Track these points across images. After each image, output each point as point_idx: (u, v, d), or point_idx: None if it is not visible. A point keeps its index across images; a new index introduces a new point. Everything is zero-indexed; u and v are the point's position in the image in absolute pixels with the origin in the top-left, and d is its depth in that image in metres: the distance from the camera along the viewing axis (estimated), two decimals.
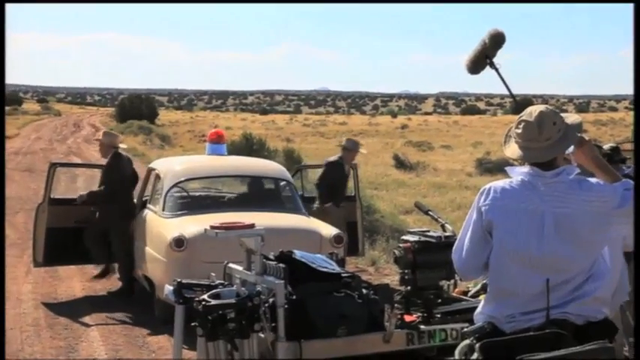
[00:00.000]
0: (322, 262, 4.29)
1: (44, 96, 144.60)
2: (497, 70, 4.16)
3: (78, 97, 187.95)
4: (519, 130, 3.06)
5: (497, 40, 4.17)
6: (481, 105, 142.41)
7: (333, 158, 9.34)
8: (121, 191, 8.30)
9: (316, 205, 9.03)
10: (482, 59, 4.18)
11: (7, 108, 65.28)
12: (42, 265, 8.57)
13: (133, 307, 8.00)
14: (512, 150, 3.11)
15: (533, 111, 3.06)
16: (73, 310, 7.86)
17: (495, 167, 19.97)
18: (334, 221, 8.20)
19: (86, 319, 7.55)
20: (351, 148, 9.30)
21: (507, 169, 3.13)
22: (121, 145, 8.75)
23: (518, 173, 3.06)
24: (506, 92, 4.28)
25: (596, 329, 2.92)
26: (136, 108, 47.37)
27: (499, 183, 3.08)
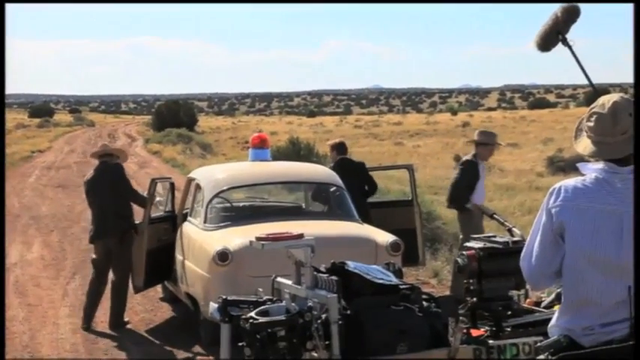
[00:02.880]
0: (378, 273, 4.29)
1: (76, 106, 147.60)
2: (570, 47, 4.08)
3: (112, 105, 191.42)
4: (591, 124, 3.01)
5: (570, 14, 4.09)
6: (551, 97, 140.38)
7: (468, 157, 8.92)
8: (94, 206, 8.38)
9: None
10: (554, 35, 4.10)
11: (38, 120, 66.80)
12: (143, 290, 8.56)
13: (176, 328, 8.10)
14: (584, 145, 3.06)
15: (606, 101, 3.01)
16: (113, 334, 7.99)
17: (569, 166, 19.69)
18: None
19: (127, 344, 7.66)
20: (486, 141, 8.76)
21: (579, 165, 3.09)
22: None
23: (592, 170, 3.02)
24: (579, 82, 4.22)
25: None
26: (174, 115, 47.92)
27: (570, 181, 3.04)
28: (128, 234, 8.24)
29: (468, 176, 8.63)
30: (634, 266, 2.85)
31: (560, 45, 4.16)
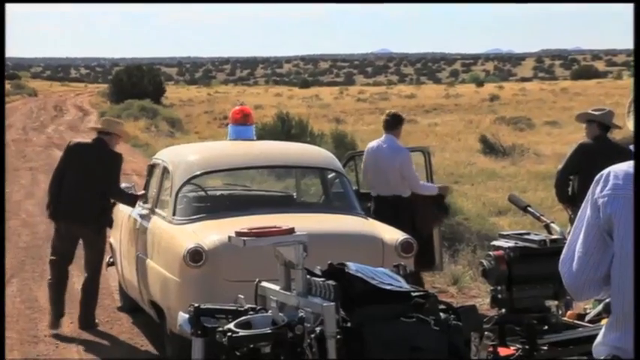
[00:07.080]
0: (385, 277, 4.31)
1: (15, 70, 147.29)
2: None
3: (59, 70, 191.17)
4: None
5: None
6: (600, 65, 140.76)
7: (586, 140, 9.13)
8: (68, 178, 8.59)
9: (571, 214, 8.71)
10: None
11: None
12: None
13: (138, 344, 8.12)
14: None
15: None
16: (59, 351, 8.00)
17: None
18: None
19: None
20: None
21: (633, 147, 3.10)
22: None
23: None
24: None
25: None
26: (136, 83, 47.91)
27: (621, 166, 3.04)
28: (101, 228, 8.50)
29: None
30: (634, 266, 2.87)
31: None
